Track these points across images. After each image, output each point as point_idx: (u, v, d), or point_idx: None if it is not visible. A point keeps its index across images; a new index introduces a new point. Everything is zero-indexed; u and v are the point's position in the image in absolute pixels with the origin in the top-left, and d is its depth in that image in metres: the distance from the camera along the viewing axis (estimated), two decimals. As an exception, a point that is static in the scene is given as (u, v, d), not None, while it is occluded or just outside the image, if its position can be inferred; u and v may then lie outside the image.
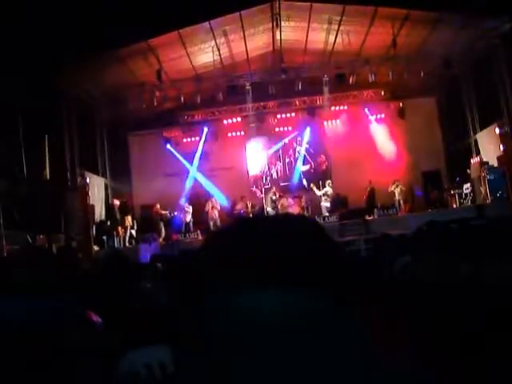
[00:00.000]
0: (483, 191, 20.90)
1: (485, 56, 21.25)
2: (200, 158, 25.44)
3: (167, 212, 22.72)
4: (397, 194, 22.38)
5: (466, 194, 22.07)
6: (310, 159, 25.61)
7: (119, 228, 21.26)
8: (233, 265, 0.87)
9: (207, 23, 19.61)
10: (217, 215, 22.64)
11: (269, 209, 22.83)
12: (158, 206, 22.47)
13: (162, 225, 22.23)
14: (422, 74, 22.09)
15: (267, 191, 23.69)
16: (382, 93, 24.71)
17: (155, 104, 22.37)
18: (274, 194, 23.21)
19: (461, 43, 20.37)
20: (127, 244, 21.15)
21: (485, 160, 21.91)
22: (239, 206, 23.44)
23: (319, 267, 0.86)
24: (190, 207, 22.83)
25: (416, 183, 24.05)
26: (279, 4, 19.98)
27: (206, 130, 24.97)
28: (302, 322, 0.81)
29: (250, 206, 23.16)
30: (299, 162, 25.71)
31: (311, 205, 23.55)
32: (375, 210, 21.54)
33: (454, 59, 21.50)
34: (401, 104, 24.90)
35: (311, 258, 0.87)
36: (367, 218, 21.01)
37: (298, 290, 0.83)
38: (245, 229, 0.95)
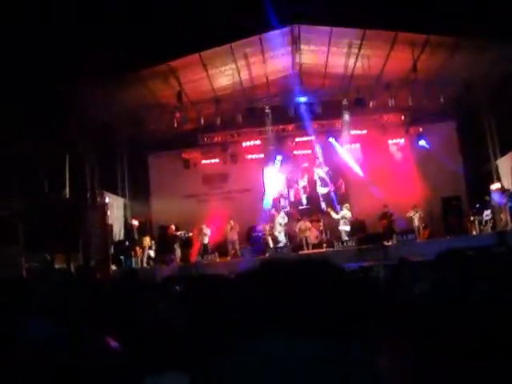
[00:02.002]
0: (504, 218, 20.72)
1: (505, 81, 20.96)
2: (219, 180, 25.53)
3: (182, 233, 22.69)
4: (416, 220, 22.28)
5: (486, 221, 21.80)
6: (328, 182, 25.54)
7: (137, 248, 21.32)
8: (262, 312, 0.86)
9: (228, 46, 19.79)
10: (236, 237, 22.68)
11: (277, 233, 22.69)
12: (173, 226, 22.63)
13: (177, 246, 22.21)
14: (441, 99, 21.92)
15: (278, 215, 23.49)
16: (402, 117, 24.64)
17: (175, 125, 22.38)
18: (284, 218, 23.11)
19: (480, 68, 20.24)
20: (145, 264, 21.21)
21: (506, 187, 21.73)
22: (260, 228, 23.42)
23: (346, 315, 0.85)
24: (208, 229, 22.76)
25: (435, 209, 23.85)
26: (299, 28, 20.09)
27: (225, 151, 24.97)
28: (332, 370, 0.80)
29: (268, 229, 23.09)
30: (318, 185, 25.66)
31: (329, 228, 23.51)
32: (394, 236, 21.48)
33: (474, 84, 21.34)
34: (420, 129, 24.84)
35: (337, 306, 0.86)
36: (385, 243, 20.95)
37: (326, 337, 0.81)
38: (271, 276, 0.95)
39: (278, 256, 20.20)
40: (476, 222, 22.07)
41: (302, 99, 22.48)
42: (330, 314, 0.87)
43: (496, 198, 21.72)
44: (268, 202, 25.15)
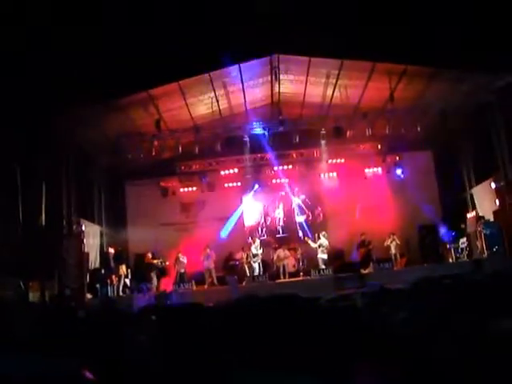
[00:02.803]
0: (479, 246, 20.88)
1: (480, 110, 21.38)
2: (197, 208, 25.53)
3: (158, 261, 22.55)
4: (393, 248, 22.41)
5: (462, 249, 22.02)
6: (306, 210, 25.58)
7: (113, 276, 21.03)
8: (238, 350, 0.87)
9: (207, 75, 19.90)
10: (212, 265, 22.50)
11: (252, 262, 22.49)
12: (150, 254, 22.47)
13: (153, 274, 22.03)
14: (418, 128, 22.27)
15: (254, 244, 23.24)
16: (379, 146, 24.90)
17: (153, 153, 22.25)
18: (257, 247, 22.93)
19: (457, 97, 20.49)
20: (121, 293, 20.93)
21: (481, 214, 21.96)
22: (238, 256, 23.29)
23: (321, 352, 0.86)
24: (185, 257, 22.52)
25: (412, 237, 24.01)
26: (278, 58, 20.24)
27: (203, 180, 25.00)
28: None
29: (245, 257, 22.99)
30: (295, 213, 25.69)
31: (307, 257, 23.48)
32: (371, 264, 21.49)
33: (451, 113, 21.47)
34: (397, 157, 25.08)
35: (311, 343, 0.86)
36: (363, 271, 21.03)
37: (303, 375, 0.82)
38: (245, 315, 0.95)
39: (254, 284, 20.28)
40: (452, 249, 22.21)
41: (281, 128, 22.47)
42: (305, 351, 0.88)
43: (443, 232, 22.20)
44: (227, 229, 25.14)
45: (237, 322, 0.90)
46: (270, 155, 24.75)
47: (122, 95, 19.13)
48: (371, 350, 2.32)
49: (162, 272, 22.67)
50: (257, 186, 25.54)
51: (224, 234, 25.06)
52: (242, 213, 25.88)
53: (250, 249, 23.07)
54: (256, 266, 22.50)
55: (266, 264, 23.26)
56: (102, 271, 21.20)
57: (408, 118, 22.33)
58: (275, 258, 23.07)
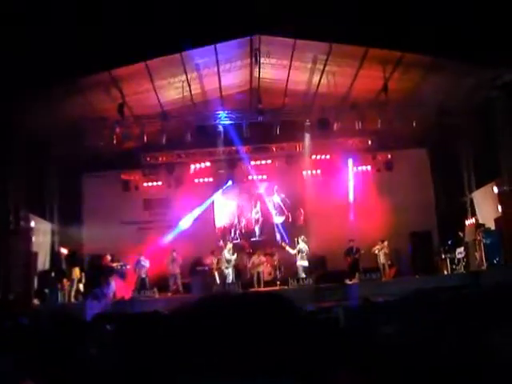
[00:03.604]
0: (478, 256, 20.92)
1: (483, 107, 21.39)
2: (162, 206, 25.41)
3: (119, 264, 22.50)
4: (381, 257, 22.48)
5: (458, 260, 22.07)
6: (285, 211, 25.55)
7: (65, 280, 20.86)
8: (200, 356, 0.85)
9: (178, 55, 19.78)
10: (178, 270, 22.51)
11: (224, 268, 22.54)
12: (109, 257, 22.40)
13: (111, 279, 21.81)
14: (413, 124, 22.32)
15: (226, 248, 23.24)
16: (369, 142, 25.07)
17: (115, 142, 22.14)
18: (230, 251, 22.92)
19: (457, 92, 20.67)
20: (73, 299, 20.77)
21: (481, 222, 22.01)
22: (208, 261, 23.22)
23: (298, 356, 0.84)
24: (147, 261, 22.50)
25: (403, 245, 24.00)
26: (259, 38, 20.17)
27: (170, 174, 24.90)
28: None
29: (215, 262, 22.92)
30: (273, 214, 25.69)
31: (285, 264, 23.50)
32: (357, 274, 21.54)
33: (450, 109, 21.77)
34: (389, 155, 25.30)
35: (286, 347, 0.85)
36: (347, 281, 21.07)
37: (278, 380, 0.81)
38: (211, 315, 0.93)
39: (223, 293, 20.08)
40: (448, 260, 22.26)
41: (260, 118, 22.38)
42: (274, 358, 0.87)
43: None
44: (187, 221, 25.05)
45: (203, 327, 0.88)
46: (247, 148, 24.81)
47: (80, 76, 18.92)
48: (354, 358, 2.34)
49: (122, 276, 22.51)
50: (231, 183, 25.57)
51: (183, 225, 24.90)
52: (210, 207, 25.77)
53: (221, 253, 23.04)
54: (228, 272, 22.46)
55: (238, 271, 23.41)
56: (52, 274, 21.06)
57: (402, 111, 22.39)
58: (249, 264, 23.13)
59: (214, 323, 0.93)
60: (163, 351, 0.98)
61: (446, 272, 22.18)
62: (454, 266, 22.15)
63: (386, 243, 22.58)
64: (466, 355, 2.54)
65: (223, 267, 22.47)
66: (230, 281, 22.20)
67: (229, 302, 1.00)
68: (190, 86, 21.94)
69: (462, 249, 22.14)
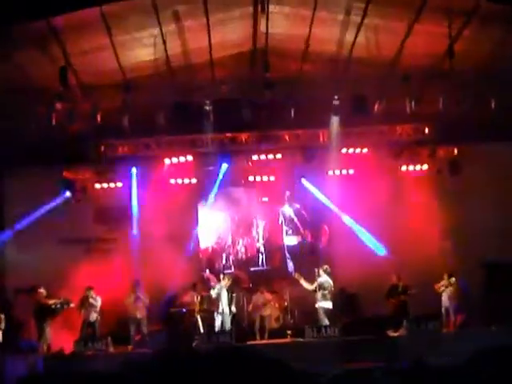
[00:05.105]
0: None
1: None
2: (121, 217, 25.14)
3: (58, 302, 22.32)
4: (445, 298, 22.32)
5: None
6: (301, 228, 25.33)
7: (-23, 326, 20.76)
8: None
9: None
10: (144, 313, 22.65)
11: (223, 307, 22.56)
12: (43, 290, 22.33)
13: (47, 324, 21.74)
14: (492, 104, 21.91)
15: (218, 282, 23.54)
16: (426, 130, 24.79)
17: (54, 123, 21.68)
18: (222, 288, 22.78)
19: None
20: (-12, 354, 20.51)
21: None
22: (186, 299, 23.09)
23: None
24: (99, 297, 22.60)
25: (474, 281, 23.66)
26: (268, -24, 19.27)
27: (134, 171, 24.60)
28: None
29: (197, 301, 22.79)
30: (283, 233, 25.48)
31: (299, 305, 23.81)
32: (404, 322, 21.60)
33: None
34: (455, 151, 24.95)
35: None
36: (391, 333, 21.37)
37: None
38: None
39: (209, 347, 19.97)
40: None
41: (267, 93, 21.93)
42: None
43: None
44: (154, 244, 24.54)
45: None
46: (247, 136, 24.64)
47: (3, 27, 18.69)
48: None
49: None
50: (221, 186, 25.13)
51: (152, 247, 24.58)
52: (192, 220, 26.10)
53: (206, 288, 23.05)
54: (219, 316, 22.33)
55: (233, 315, 23.20)
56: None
57: (476, 87, 21.95)
58: (251, 306, 23.25)
59: None
60: None
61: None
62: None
63: (453, 279, 22.44)
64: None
65: (208, 308, 22.17)
66: (220, 329, 21.85)
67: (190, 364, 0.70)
68: (165, 43, 21.51)
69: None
